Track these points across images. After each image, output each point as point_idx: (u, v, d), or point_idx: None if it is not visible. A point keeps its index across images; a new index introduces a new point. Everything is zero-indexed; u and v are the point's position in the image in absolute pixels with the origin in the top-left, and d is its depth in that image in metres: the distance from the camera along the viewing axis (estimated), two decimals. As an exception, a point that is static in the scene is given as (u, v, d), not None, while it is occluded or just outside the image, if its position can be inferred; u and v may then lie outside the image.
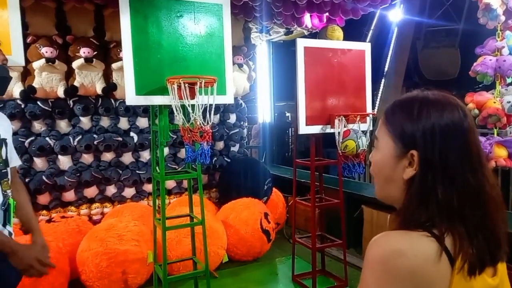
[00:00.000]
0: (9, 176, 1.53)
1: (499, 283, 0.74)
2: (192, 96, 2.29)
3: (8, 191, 1.52)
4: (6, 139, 1.54)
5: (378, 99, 9.53)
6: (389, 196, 0.81)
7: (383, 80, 9.86)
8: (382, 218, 3.70)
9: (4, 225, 1.50)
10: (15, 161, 1.63)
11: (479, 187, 0.72)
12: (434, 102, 0.75)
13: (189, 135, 2.30)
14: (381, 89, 9.87)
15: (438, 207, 0.70)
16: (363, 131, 2.93)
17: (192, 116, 2.27)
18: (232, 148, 4.74)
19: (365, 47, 3.20)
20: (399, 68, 9.99)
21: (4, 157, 1.51)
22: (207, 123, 2.31)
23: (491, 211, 0.72)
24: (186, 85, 2.18)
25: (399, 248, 0.66)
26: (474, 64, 2.43)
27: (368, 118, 3.11)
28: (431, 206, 0.70)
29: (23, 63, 2.17)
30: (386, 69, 9.93)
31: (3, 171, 1.49)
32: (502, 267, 0.76)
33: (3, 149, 1.51)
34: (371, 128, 3.10)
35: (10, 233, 1.54)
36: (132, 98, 2.27)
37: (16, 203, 1.56)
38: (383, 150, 0.79)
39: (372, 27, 9.86)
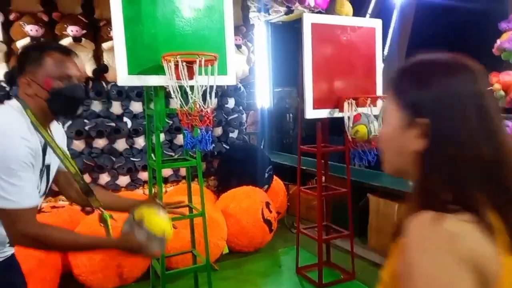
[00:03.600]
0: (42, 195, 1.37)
1: None
2: (191, 76, 2.07)
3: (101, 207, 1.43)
4: (50, 164, 1.37)
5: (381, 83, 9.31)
6: (400, 169, 0.76)
7: (382, 64, 9.65)
8: (389, 207, 3.54)
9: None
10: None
11: (499, 156, 0.66)
12: (444, 65, 0.70)
13: (187, 120, 2.09)
14: (381, 74, 9.67)
15: (460, 182, 0.65)
16: (375, 116, 2.73)
17: (191, 98, 2.05)
18: (230, 134, 4.53)
19: (376, 24, 2.98)
20: (400, 52, 9.76)
21: (77, 169, 1.40)
22: (207, 106, 2.10)
23: None
24: (184, 63, 1.96)
25: (456, 232, 0.61)
26: (499, 41, 2.22)
27: (379, 101, 2.91)
28: (452, 181, 0.65)
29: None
30: (385, 53, 9.71)
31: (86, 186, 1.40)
32: None
33: (72, 161, 1.38)
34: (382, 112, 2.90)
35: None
36: (124, 78, 2.04)
37: (96, 194, 1.44)
38: (391, 121, 0.73)
39: (370, 11, 9.59)
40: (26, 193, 1.19)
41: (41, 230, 1.22)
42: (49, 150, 1.32)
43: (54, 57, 1.27)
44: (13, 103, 1.26)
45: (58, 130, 1.43)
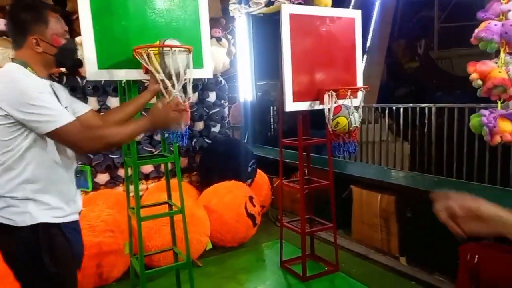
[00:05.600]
0: None
1: None
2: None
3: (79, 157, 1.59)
4: (66, 107, 1.51)
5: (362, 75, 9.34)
6: None
7: (365, 56, 9.65)
8: (372, 198, 3.55)
9: (76, 193, 1.54)
10: (84, 108, 1.63)
11: None
12: None
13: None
14: (363, 65, 9.68)
15: None
16: (355, 107, 2.70)
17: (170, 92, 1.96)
18: (212, 129, 4.46)
19: (355, 14, 2.94)
20: (381, 43, 9.80)
21: None
22: (184, 101, 2.03)
23: None
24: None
25: None
26: (477, 30, 2.21)
27: (359, 93, 2.88)
28: None
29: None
30: (368, 44, 9.72)
31: None
32: None
33: None
34: (362, 104, 2.88)
35: (78, 202, 1.56)
36: (93, 72, 1.96)
37: (122, 116, 1.71)
38: None
39: (352, 2, 9.57)
40: (60, 110, 1.35)
41: (95, 132, 1.43)
42: (60, 95, 1.49)
43: (54, 17, 1.47)
44: (11, 64, 1.42)
45: (61, 90, 1.57)
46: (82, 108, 1.63)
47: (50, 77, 1.53)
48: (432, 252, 3.03)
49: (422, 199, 3.20)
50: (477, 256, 2.05)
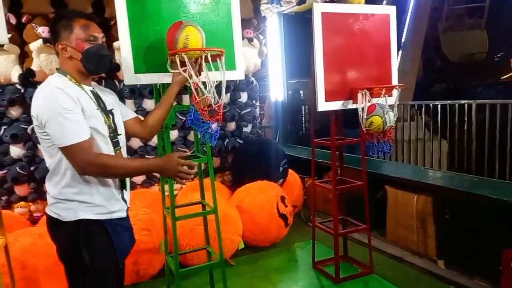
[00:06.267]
0: (121, 144, 1.61)
1: None
2: (201, 72, 2.03)
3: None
4: (112, 109, 1.62)
5: (397, 72, 9.07)
6: None
7: (400, 51, 9.37)
8: (408, 198, 3.45)
9: (121, 190, 1.59)
10: (130, 115, 1.78)
11: None
12: None
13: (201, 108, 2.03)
14: (398, 61, 9.40)
15: None
16: (390, 106, 2.64)
17: (203, 94, 1.99)
18: (244, 129, 4.50)
19: (390, 10, 2.87)
20: (417, 38, 9.47)
21: (113, 127, 1.58)
22: (217, 102, 2.06)
23: None
24: (192, 59, 1.92)
25: None
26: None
27: (394, 91, 2.81)
28: None
29: (6, 41, 1.94)
30: (403, 39, 9.43)
31: (114, 140, 1.57)
32: None
33: (111, 118, 1.58)
34: (397, 102, 2.80)
35: (125, 200, 1.62)
36: (131, 77, 2.03)
37: (159, 115, 1.84)
38: None
39: (386, -1, 9.31)
40: (74, 130, 1.40)
41: (96, 159, 1.44)
42: (105, 99, 1.60)
43: (81, 23, 1.52)
44: (52, 76, 1.52)
45: (107, 94, 1.68)
46: (129, 114, 1.78)
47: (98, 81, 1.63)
48: (472, 255, 2.91)
49: (461, 200, 3.08)
50: (522, 261, 1.95)
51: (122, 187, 1.60)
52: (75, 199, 1.48)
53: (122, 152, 1.61)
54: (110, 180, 1.54)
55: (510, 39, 8.44)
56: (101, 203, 1.51)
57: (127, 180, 1.64)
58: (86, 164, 1.41)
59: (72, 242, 1.47)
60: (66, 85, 1.46)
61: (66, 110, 1.39)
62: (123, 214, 1.61)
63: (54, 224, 1.52)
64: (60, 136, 1.39)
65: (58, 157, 1.46)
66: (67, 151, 1.41)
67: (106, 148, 1.53)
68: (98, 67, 1.56)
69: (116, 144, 1.58)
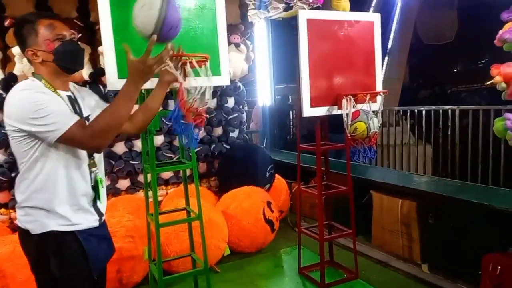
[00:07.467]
0: (95, 155, 1.56)
1: None
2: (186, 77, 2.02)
3: (94, 169, 1.55)
4: (90, 115, 1.56)
5: (382, 78, 9.17)
6: None
7: (386, 58, 9.49)
8: (393, 203, 3.48)
9: (94, 202, 1.55)
10: None
11: None
12: None
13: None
14: (384, 67, 9.51)
15: None
16: (374, 112, 2.66)
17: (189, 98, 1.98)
18: (231, 134, 4.49)
19: (374, 18, 2.91)
20: (403, 44, 9.61)
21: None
22: (201, 106, 2.04)
23: None
24: (173, 65, 1.90)
25: None
26: (501, 31, 2.14)
27: (379, 97, 2.84)
28: None
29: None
30: (389, 46, 9.55)
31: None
32: None
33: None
34: (382, 108, 2.83)
35: (100, 213, 1.58)
36: (113, 81, 2.00)
37: (146, 114, 1.71)
38: None
39: (373, 4, 9.42)
40: (64, 116, 1.38)
41: (93, 127, 1.40)
42: (86, 103, 1.57)
43: (45, 23, 1.45)
44: (24, 81, 1.46)
45: (88, 95, 1.64)
46: None
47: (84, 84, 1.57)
48: (455, 260, 2.95)
49: (445, 204, 3.12)
50: (499, 267, 1.97)
51: (96, 198, 1.55)
52: (43, 207, 1.43)
53: (96, 157, 1.57)
54: (80, 192, 1.50)
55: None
56: (65, 214, 1.45)
57: (102, 191, 1.58)
58: (88, 138, 1.38)
59: (40, 253, 1.44)
60: (40, 89, 1.42)
61: (50, 102, 1.37)
62: (95, 224, 1.56)
63: (24, 236, 1.48)
64: (56, 127, 1.35)
65: (30, 160, 1.41)
66: (65, 139, 1.37)
67: (82, 152, 1.50)
68: (74, 64, 1.51)
69: (89, 155, 1.54)
